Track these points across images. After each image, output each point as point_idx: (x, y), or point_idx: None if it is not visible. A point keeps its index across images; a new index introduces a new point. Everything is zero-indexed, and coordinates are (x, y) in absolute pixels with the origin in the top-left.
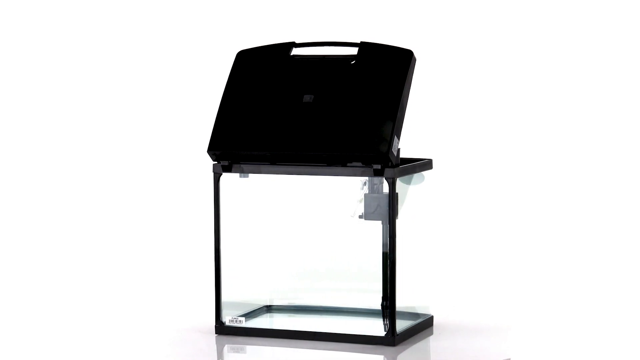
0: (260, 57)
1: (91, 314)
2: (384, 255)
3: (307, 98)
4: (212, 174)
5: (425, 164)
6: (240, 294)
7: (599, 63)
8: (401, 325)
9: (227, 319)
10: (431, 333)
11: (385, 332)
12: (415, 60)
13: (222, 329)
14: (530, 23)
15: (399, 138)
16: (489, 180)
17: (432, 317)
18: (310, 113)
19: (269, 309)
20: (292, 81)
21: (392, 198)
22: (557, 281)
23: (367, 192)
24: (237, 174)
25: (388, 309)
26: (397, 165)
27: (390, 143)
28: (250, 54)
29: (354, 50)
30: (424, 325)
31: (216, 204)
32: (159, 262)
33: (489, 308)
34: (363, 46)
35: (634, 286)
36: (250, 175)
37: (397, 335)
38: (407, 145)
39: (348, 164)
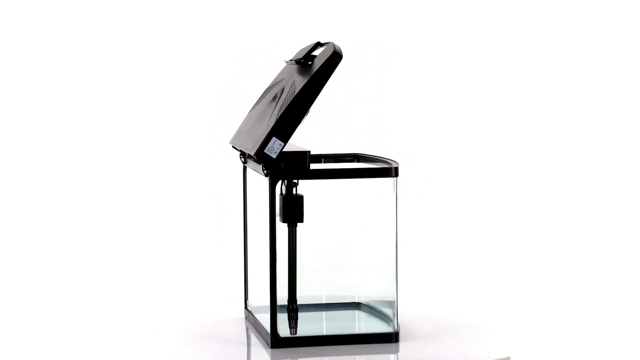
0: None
1: (116, 304)
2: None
3: (270, 97)
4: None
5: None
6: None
7: (574, 62)
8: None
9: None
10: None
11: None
12: (334, 62)
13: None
14: (508, 28)
15: (283, 139)
16: (464, 182)
17: (395, 334)
18: (261, 113)
19: None
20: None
21: (272, 199)
22: (542, 282)
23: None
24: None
25: (293, 312)
26: (279, 167)
27: (264, 144)
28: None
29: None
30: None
31: (244, 194)
32: (188, 253)
33: (469, 311)
34: (318, 45)
35: (622, 280)
36: None
37: (282, 338)
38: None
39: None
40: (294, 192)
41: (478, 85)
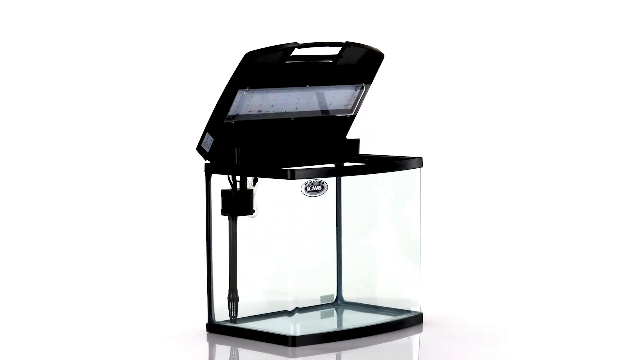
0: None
1: (88, 313)
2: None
3: None
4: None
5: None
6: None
7: (589, 62)
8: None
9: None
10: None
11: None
12: (243, 63)
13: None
14: (524, 25)
15: (214, 135)
16: (480, 179)
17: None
18: None
19: None
20: None
21: (208, 194)
22: (543, 282)
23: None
24: None
25: (233, 301)
26: (211, 160)
27: (201, 139)
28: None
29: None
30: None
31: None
32: (153, 259)
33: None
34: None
35: (622, 281)
36: None
37: (215, 324)
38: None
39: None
40: (248, 186)
41: (492, 85)
